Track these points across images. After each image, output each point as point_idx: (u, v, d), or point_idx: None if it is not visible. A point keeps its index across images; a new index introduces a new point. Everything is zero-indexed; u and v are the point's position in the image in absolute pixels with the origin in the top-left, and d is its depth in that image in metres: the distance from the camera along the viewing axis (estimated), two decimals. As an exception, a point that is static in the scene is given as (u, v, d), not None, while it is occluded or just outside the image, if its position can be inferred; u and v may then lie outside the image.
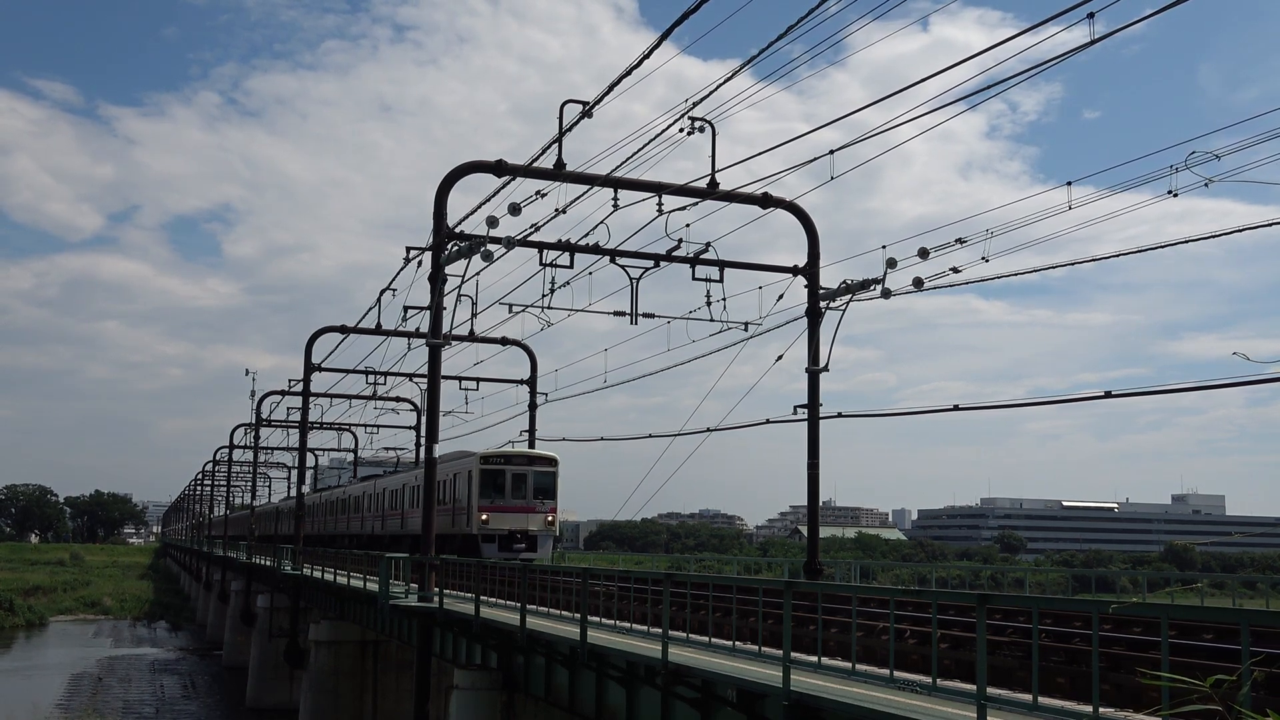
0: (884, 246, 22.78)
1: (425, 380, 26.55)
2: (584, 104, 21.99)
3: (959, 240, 21.30)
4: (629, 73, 18.23)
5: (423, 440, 32.82)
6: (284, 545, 47.17)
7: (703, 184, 24.11)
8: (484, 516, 34.47)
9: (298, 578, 40.01)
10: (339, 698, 35.72)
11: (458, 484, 36.69)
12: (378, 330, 37.17)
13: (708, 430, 27.20)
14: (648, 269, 25.84)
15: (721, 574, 41.57)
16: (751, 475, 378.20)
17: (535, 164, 23.45)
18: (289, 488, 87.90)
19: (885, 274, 22.95)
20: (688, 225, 24.72)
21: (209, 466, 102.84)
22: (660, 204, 23.63)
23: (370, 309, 36.58)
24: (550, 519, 35.31)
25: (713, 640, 13.55)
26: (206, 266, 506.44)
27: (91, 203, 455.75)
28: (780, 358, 25.05)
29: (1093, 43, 14.38)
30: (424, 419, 34.08)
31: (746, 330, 26.13)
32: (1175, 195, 17.69)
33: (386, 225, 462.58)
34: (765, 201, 25.51)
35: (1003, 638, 13.44)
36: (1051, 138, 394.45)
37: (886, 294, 23.29)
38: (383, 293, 34.59)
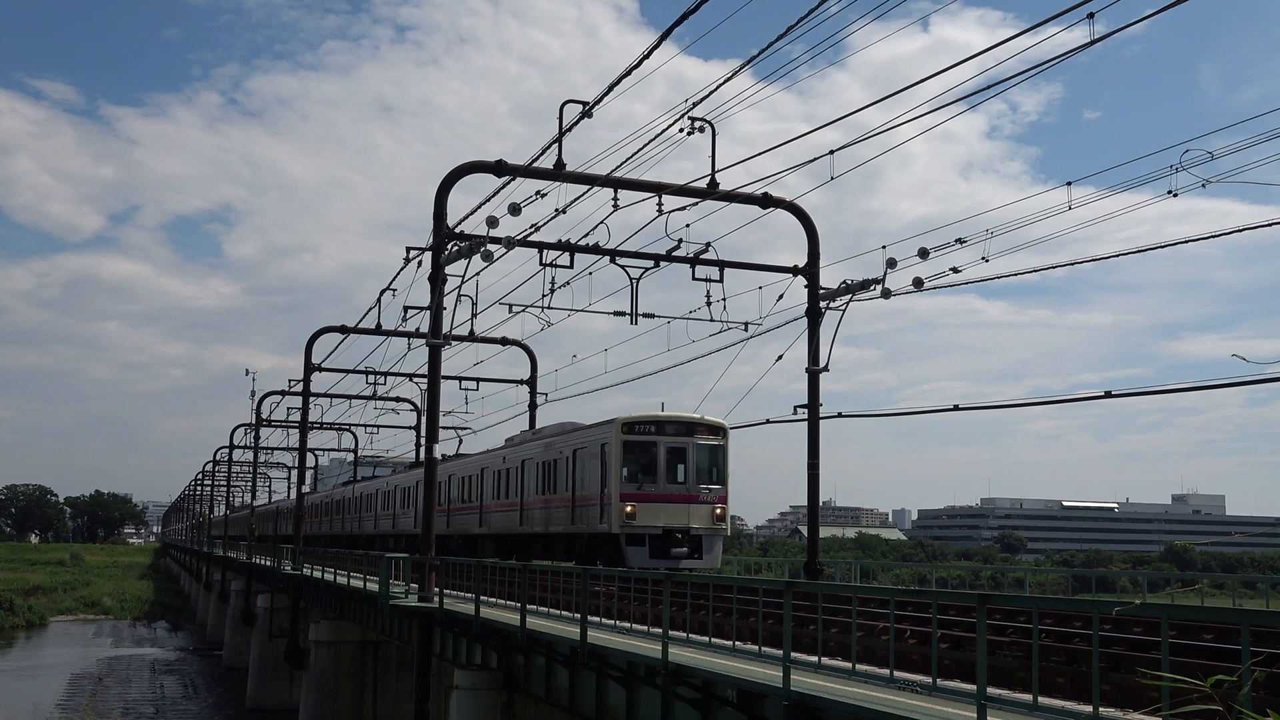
0: (884, 247, 22.83)
1: (425, 380, 26.54)
2: (584, 104, 21.98)
3: (959, 240, 21.33)
4: (629, 73, 18.24)
5: (423, 440, 32.80)
6: (284, 545, 47.05)
7: (703, 184, 24.10)
8: (629, 509, 25.71)
9: (298, 578, 39.96)
10: (339, 698, 35.64)
11: (582, 464, 27.77)
12: (378, 330, 37.16)
13: (708, 430, 27.16)
14: (648, 269, 25.84)
15: (721, 574, 41.43)
16: (751, 475, 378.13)
17: (535, 164, 23.44)
18: (289, 488, 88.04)
19: (885, 274, 22.98)
20: (688, 225, 24.77)
21: (209, 467, 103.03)
22: (660, 204, 23.64)
23: (370, 309, 36.62)
24: (720, 511, 26.65)
25: (713, 640, 13.54)
26: (207, 267, 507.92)
27: (92, 203, 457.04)
28: (780, 358, 25.10)
29: (1093, 43, 14.40)
30: (424, 419, 34.05)
31: (746, 330, 26.14)
32: (1175, 195, 17.72)
33: (387, 226, 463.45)
34: (765, 202, 25.50)
35: (1003, 638, 13.42)
36: (1052, 138, 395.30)
37: (886, 294, 23.30)
38: (383, 293, 34.58)
